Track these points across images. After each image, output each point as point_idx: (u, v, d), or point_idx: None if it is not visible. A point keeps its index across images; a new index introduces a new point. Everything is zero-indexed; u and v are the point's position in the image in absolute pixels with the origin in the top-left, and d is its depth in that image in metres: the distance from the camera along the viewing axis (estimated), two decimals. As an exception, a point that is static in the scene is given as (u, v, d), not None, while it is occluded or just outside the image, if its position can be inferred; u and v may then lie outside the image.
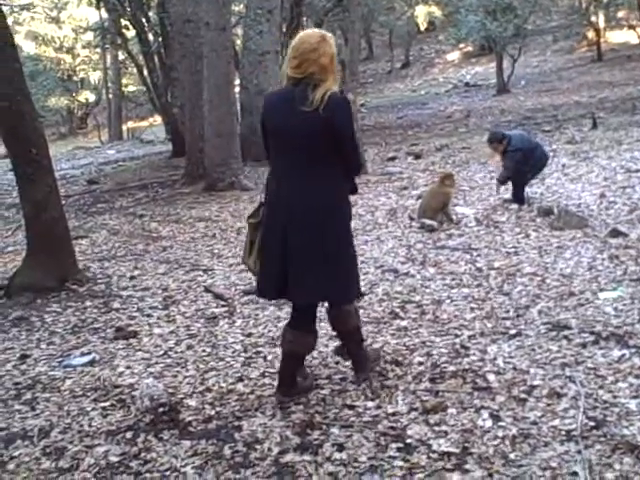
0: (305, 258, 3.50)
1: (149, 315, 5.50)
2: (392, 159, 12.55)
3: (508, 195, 8.12)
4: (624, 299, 4.71)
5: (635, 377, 3.63)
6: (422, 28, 36.58)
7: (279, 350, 4.37)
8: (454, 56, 34.15)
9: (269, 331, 4.88)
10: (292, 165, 3.51)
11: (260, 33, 13.14)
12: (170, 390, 4.01)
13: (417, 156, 12.42)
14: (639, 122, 12.75)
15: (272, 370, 4.19)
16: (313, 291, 3.56)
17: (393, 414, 3.55)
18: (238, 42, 18.31)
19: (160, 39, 18.81)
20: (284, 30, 17.45)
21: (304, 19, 21.03)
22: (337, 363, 4.20)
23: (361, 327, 4.01)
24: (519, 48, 22.99)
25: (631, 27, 25.69)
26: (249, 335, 4.85)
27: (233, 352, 4.57)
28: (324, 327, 4.32)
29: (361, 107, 22.53)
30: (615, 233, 6.21)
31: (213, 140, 10.93)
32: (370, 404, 3.68)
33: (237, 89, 13.20)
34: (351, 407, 3.67)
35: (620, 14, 27.02)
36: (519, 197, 7.99)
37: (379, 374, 4.00)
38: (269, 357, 4.41)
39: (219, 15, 10.73)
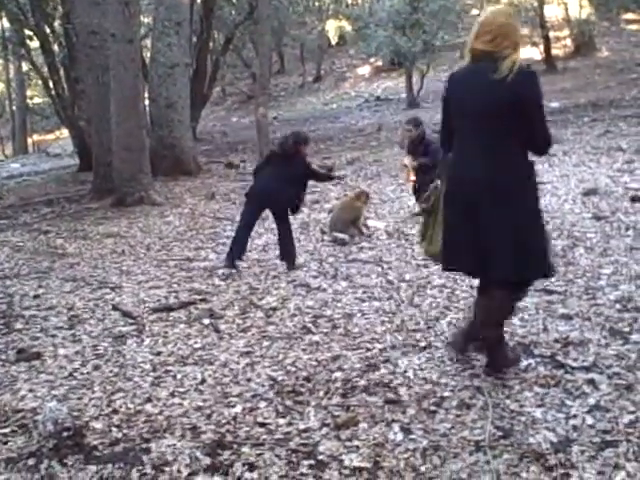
0: (500, 234, 3.49)
1: (54, 335, 5.30)
2: (304, 173, 12.56)
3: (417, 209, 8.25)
4: (529, 309, 4.82)
5: (540, 386, 3.71)
6: (333, 42, 36.95)
7: (189, 368, 4.31)
8: (365, 70, 34.59)
9: (179, 349, 4.78)
10: (479, 141, 3.52)
11: (169, 45, 13.00)
12: (75, 413, 3.86)
13: (329, 169, 12.46)
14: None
15: (182, 389, 4.11)
16: (509, 268, 3.52)
17: (305, 430, 3.52)
18: (147, 54, 18.04)
19: (65, 50, 18.34)
20: (194, 42, 17.30)
21: (214, 32, 20.93)
22: (249, 380, 4.14)
23: (503, 324, 3.90)
24: (428, 63, 23.48)
25: (534, 44, 26.61)
26: (158, 354, 4.73)
27: (141, 372, 4.45)
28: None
29: (273, 120, 22.59)
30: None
31: (121, 154, 10.71)
32: (282, 421, 3.64)
33: (146, 102, 12.98)
34: (262, 425, 3.62)
35: (524, 31, 27.95)
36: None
37: (291, 391, 3.97)
38: (179, 376, 4.32)
39: (126, 27, 10.55)
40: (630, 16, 27.50)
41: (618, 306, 4.71)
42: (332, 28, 34.16)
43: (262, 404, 3.86)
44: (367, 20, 24.78)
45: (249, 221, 6.75)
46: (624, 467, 2.96)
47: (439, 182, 3.88)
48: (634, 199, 7.56)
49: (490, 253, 3.51)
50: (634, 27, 27.96)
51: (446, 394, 3.73)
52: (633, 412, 3.36)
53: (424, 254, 4.15)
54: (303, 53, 34.67)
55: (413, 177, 8.08)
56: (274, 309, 5.43)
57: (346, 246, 7.16)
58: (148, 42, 19.06)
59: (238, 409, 3.82)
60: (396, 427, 3.46)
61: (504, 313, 3.85)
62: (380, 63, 33.38)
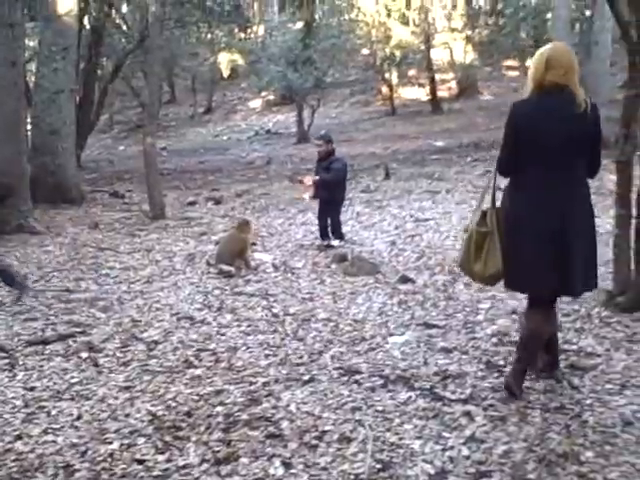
0: (582, 258, 3.79)
1: None
2: (192, 204, 12.45)
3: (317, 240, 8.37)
4: (411, 343, 4.92)
5: (419, 418, 3.78)
6: (225, 75, 36.99)
7: (65, 404, 4.15)
8: (256, 104, 34.74)
9: (55, 384, 4.60)
10: (557, 169, 3.76)
11: (55, 70, 12.64)
12: (-63, 453, 3.64)
13: (217, 201, 12.42)
14: (428, 173, 13.57)
15: (56, 425, 3.95)
16: (585, 285, 3.91)
17: (184, 467, 3.46)
18: (32, 78, 17.49)
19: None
20: (81, 69, 16.92)
21: (103, 59, 20.56)
22: (127, 416, 4.02)
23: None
24: (318, 99, 23.85)
25: (421, 85, 27.53)
26: (32, 389, 4.53)
27: (12, 408, 4.25)
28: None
29: (162, 150, 22.31)
30: (404, 279, 6.51)
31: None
32: (160, 457, 3.56)
33: (29, 127, 12.56)
34: (140, 462, 3.53)
35: (411, 72, 28.88)
36: (340, 231, 8.40)
37: (171, 426, 3.89)
38: (53, 412, 4.15)
39: (9, 49, 10.19)
40: (510, 63, 28.90)
41: (494, 340, 4.87)
42: (224, 61, 34.21)
43: (140, 440, 3.77)
44: (260, 54, 24.98)
45: None
46: (497, 497, 3.05)
47: (495, 205, 4.03)
48: (511, 237, 7.88)
49: (572, 272, 3.79)
50: (514, 73, 29.37)
51: (327, 428, 3.74)
52: (507, 443, 3.47)
53: (474, 277, 4.21)
54: (194, 84, 34.54)
55: (310, 193, 8.43)
56: (156, 342, 5.31)
57: (232, 278, 7.10)
58: (33, 66, 18.53)
59: (115, 446, 3.71)
60: (277, 462, 3.44)
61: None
62: (272, 97, 33.66)
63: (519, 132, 3.83)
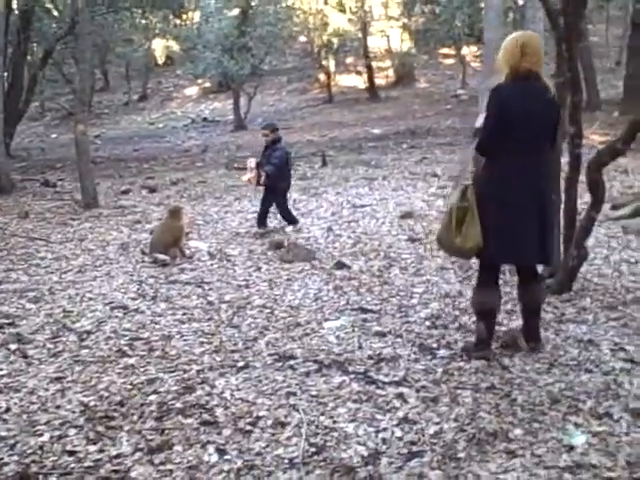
0: (551, 228, 4.25)
1: None
2: (126, 192, 12.27)
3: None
4: (346, 328, 4.95)
5: (353, 402, 3.81)
6: (160, 62, 36.43)
7: None
8: (192, 91, 34.35)
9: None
10: (532, 148, 4.04)
11: (-19, 56, 12.28)
12: None
13: (152, 190, 12.26)
14: (364, 160, 13.65)
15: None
16: (550, 255, 4.31)
17: (116, 456, 3.41)
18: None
19: None
20: (9, 55, 16.43)
21: (32, 45, 20.02)
22: (58, 407, 3.94)
23: None
24: (255, 87, 23.72)
25: (358, 72, 27.64)
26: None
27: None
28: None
29: (95, 138, 21.91)
30: (339, 265, 6.54)
31: None
32: (92, 448, 3.50)
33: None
34: (71, 453, 3.46)
35: (348, 60, 28.95)
36: (290, 217, 8.48)
37: (103, 416, 3.83)
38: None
39: None
40: (446, 51, 29.23)
41: (428, 323, 4.94)
42: (159, 47, 33.69)
43: (72, 431, 3.70)
44: (195, 41, 24.67)
45: None
46: (427, 476, 3.09)
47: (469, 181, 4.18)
48: (445, 222, 7.99)
49: (549, 243, 4.21)
50: (449, 61, 29.73)
51: (262, 413, 3.74)
52: (438, 423, 3.52)
53: (453, 250, 4.30)
54: (129, 71, 33.94)
55: (254, 181, 8.43)
56: (88, 332, 5.21)
57: (167, 267, 7.02)
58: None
59: (45, 438, 3.63)
60: (211, 448, 3.43)
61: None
62: (208, 84, 33.32)
63: (504, 115, 3.98)
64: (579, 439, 3.29)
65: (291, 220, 8.47)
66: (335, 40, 26.76)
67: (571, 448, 3.22)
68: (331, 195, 10.56)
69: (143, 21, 26.48)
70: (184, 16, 33.05)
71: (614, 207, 7.84)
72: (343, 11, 26.87)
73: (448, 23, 21.30)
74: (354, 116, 23.43)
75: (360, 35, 26.83)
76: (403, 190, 10.49)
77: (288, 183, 8.58)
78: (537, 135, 4.06)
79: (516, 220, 4.05)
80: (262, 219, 8.44)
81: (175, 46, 32.75)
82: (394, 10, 28.74)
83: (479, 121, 4.25)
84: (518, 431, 3.40)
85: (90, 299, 6.11)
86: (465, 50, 26.41)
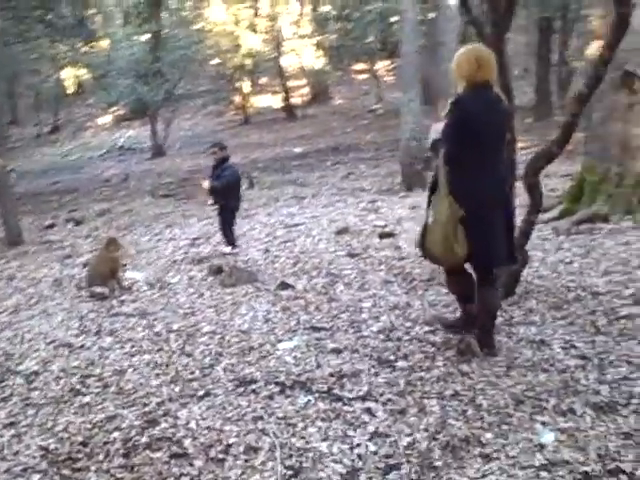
0: (513, 229, 4.51)
1: None
2: (51, 227, 11.98)
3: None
4: (301, 347, 4.93)
5: (322, 420, 3.81)
6: (70, 91, 35.73)
7: None
8: (106, 120, 33.79)
9: None
10: (494, 155, 4.27)
11: None
12: None
13: (78, 222, 12.01)
14: (290, 180, 13.70)
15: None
16: (515, 255, 4.60)
17: (87, 498, 3.31)
18: None
19: None
20: None
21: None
22: (16, 453, 3.80)
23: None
24: (172, 111, 23.51)
25: (274, 92, 27.75)
26: None
27: None
28: None
29: (10, 172, 21.27)
30: (284, 286, 6.52)
31: None
32: (60, 492, 3.39)
33: None
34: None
35: (263, 80, 29.03)
36: (230, 239, 8.43)
37: (67, 458, 3.71)
38: None
39: None
40: (360, 66, 29.65)
41: (381, 336, 4.97)
42: (69, 76, 33.03)
43: (35, 477, 3.60)
44: (107, 68, 24.27)
45: None
46: (409, 488, 3.12)
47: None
48: (381, 236, 8.10)
49: (513, 244, 4.50)
50: (363, 77, 30.17)
51: (232, 440, 3.70)
52: (410, 434, 3.56)
53: (453, 259, 4.38)
54: (38, 102, 33.16)
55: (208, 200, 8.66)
56: (36, 373, 5.05)
57: (106, 300, 6.87)
58: None
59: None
60: (186, 481, 3.37)
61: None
62: (121, 112, 32.84)
63: (469, 124, 4.17)
64: (548, 437, 3.38)
65: (230, 241, 8.44)
66: (249, 61, 26.82)
67: (542, 447, 3.31)
68: (262, 216, 10.56)
69: (52, 50, 25.99)
70: (93, 44, 32.63)
71: (542, 210, 8.07)
72: (255, 32, 26.95)
73: (361, 39, 21.60)
74: (273, 136, 23.49)
75: (274, 55, 26.95)
76: (334, 207, 10.57)
77: (237, 203, 8.56)
78: (497, 142, 4.31)
79: (491, 224, 4.28)
80: (229, 239, 8.43)
81: (86, 75, 32.18)
82: (306, 29, 29.06)
83: (435, 132, 4.39)
84: (489, 435, 3.47)
85: (30, 339, 5.92)
86: (378, 65, 26.85)
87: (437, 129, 4.48)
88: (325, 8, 25.33)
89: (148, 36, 23.69)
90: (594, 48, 7.87)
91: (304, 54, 28.05)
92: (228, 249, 8.34)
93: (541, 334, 4.66)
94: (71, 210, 13.81)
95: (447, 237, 4.25)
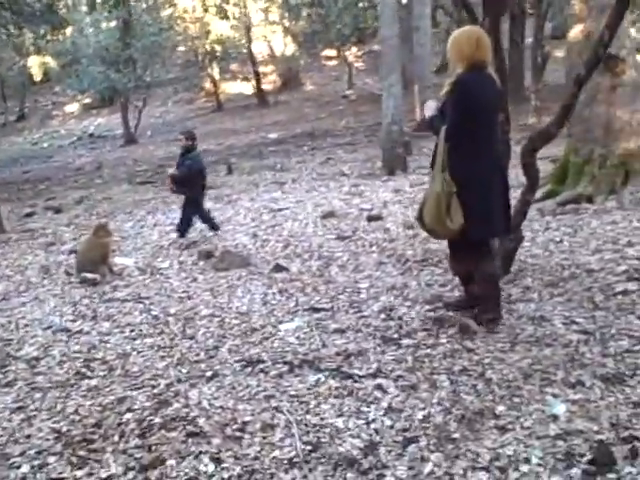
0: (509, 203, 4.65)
1: None
2: (30, 215, 11.85)
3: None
4: (303, 328, 4.98)
5: (334, 397, 3.85)
6: (37, 79, 35.21)
7: None
8: (73, 108, 33.43)
9: None
10: (494, 131, 4.48)
11: None
12: None
13: (57, 210, 11.89)
14: (269, 166, 13.69)
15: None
16: (510, 225, 4.78)
17: (108, 478, 3.33)
18: None
19: None
20: None
21: None
22: (29, 437, 3.80)
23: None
24: (144, 99, 23.31)
25: (244, 79, 27.62)
26: None
27: None
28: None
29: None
30: (278, 268, 6.56)
31: None
32: (79, 473, 3.41)
33: None
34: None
35: (232, 67, 28.86)
36: (211, 222, 8.46)
37: (81, 440, 3.72)
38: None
39: None
40: (329, 53, 29.67)
41: (383, 316, 5.04)
42: (35, 64, 32.54)
43: (51, 459, 3.58)
44: (76, 56, 23.90)
45: None
46: (429, 459, 3.18)
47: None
48: (370, 219, 8.16)
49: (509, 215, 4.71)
50: (333, 63, 30.20)
51: (247, 419, 3.73)
52: (423, 408, 3.63)
53: (445, 233, 4.56)
54: (4, 91, 32.67)
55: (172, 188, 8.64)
56: (37, 359, 5.03)
57: (98, 286, 6.84)
58: None
59: (25, 469, 3.51)
60: (205, 458, 3.40)
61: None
62: (89, 100, 32.47)
63: (475, 102, 4.33)
64: (560, 408, 3.47)
65: (213, 226, 8.46)
66: (218, 47, 26.66)
67: (555, 417, 3.39)
68: (246, 201, 10.56)
69: (18, 38, 25.58)
70: (59, 31, 32.13)
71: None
72: (225, 18, 26.78)
73: (334, 25, 21.58)
74: (246, 122, 23.43)
75: (244, 41, 26.82)
76: (317, 191, 10.61)
77: (199, 192, 8.56)
78: (495, 119, 4.52)
79: (489, 197, 4.45)
80: (181, 228, 8.42)
81: (52, 62, 31.72)
82: (275, 15, 28.95)
83: (429, 109, 4.54)
84: (501, 407, 3.55)
85: (26, 325, 5.89)
86: (349, 51, 26.87)
87: (431, 106, 4.64)
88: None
89: (114, 23, 23.40)
90: (576, 32, 7.96)
91: (273, 40, 27.97)
92: (211, 233, 8.39)
93: (540, 310, 4.76)
94: (48, 198, 13.66)
95: (440, 211, 4.41)
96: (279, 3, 27.62)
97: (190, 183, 8.30)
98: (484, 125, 4.41)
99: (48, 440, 3.78)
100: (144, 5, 25.61)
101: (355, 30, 21.78)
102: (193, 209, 8.41)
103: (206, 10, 27.04)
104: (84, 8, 33.79)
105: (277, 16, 28.78)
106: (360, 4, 21.01)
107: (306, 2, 22.93)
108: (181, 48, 28.88)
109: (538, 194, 8.03)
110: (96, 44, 22.56)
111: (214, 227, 8.47)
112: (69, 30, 27.87)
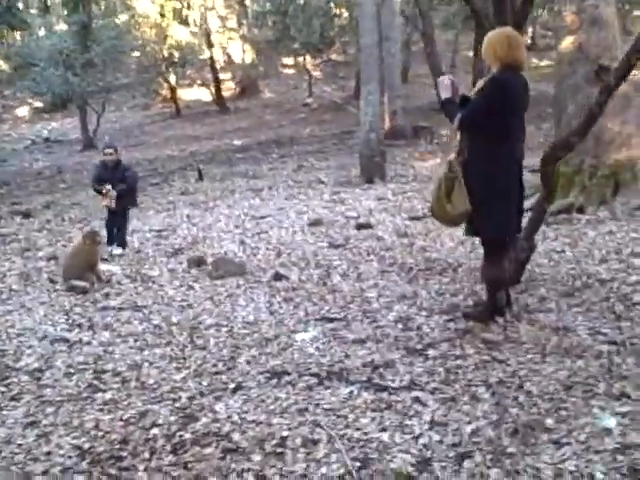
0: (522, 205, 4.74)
1: None
2: (-4, 220, 11.45)
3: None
4: (319, 338, 4.85)
5: (373, 411, 3.73)
6: (-16, 82, 34.25)
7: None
8: (24, 112, 32.63)
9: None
10: (521, 132, 4.51)
11: None
12: None
13: (26, 215, 11.51)
14: (240, 172, 13.52)
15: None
16: (520, 228, 4.88)
17: (149, 498, 3.15)
18: None
19: None
20: None
21: None
22: (49, 454, 3.59)
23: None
24: (103, 103, 22.86)
25: (203, 85, 27.34)
26: None
27: None
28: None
29: None
30: (278, 277, 6.42)
31: None
32: (117, 493, 3.21)
33: None
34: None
35: (188, 72, 28.51)
36: (124, 241, 8.37)
37: (109, 457, 3.53)
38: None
39: None
40: (287, 61, 29.59)
41: (400, 326, 4.94)
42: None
43: (79, 478, 3.38)
44: (28, 59, 23.25)
45: None
46: (489, 475, 3.08)
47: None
48: (359, 227, 8.07)
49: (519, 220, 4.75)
50: (290, 71, 30.14)
51: (285, 433, 3.58)
52: (469, 422, 3.52)
53: (445, 217, 4.62)
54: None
55: (113, 204, 8.22)
56: (40, 370, 4.79)
57: (88, 294, 6.59)
58: None
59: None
60: (249, 476, 3.24)
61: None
62: (40, 104, 31.72)
63: (510, 102, 4.36)
64: (611, 422, 3.41)
65: (124, 243, 8.39)
66: (176, 53, 26.32)
67: (608, 431, 3.33)
68: (223, 208, 10.38)
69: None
70: (8, 33, 31.26)
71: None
72: (185, 23, 26.49)
73: (301, 32, 21.42)
74: (207, 129, 23.19)
75: (203, 47, 26.56)
76: (297, 199, 10.49)
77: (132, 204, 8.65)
78: (522, 121, 4.57)
79: (513, 197, 4.55)
80: (122, 241, 8.37)
81: (4, 65, 30.90)
82: (232, 22, 28.78)
83: (444, 90, 4.61)
84: (550, 420, 3.47)
85: (18, 335, 5.62)
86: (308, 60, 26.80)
87: (447, 85, 4.63)
88: (259, 2, 25.00)
89: (72, 26, 22.85)
90: (567, 43, 8.02)
91: (231, 48, 27.80)
92: (119, 250, 8.25)
93: (562, 321, 4.72)
94: (14, 203, 13.23)
95: (439, 194, 4.50)
96: (237, 10, 27.44)
97: (131, 195, 8.33)
98: (513, 125, 4.45)
99: (71, 457, 3.58)
100: (101, 9, 25.13)
101: (322, 39, 21.69)
102: (125, 219, 8.45)
103: (163, 15, 26.66)
104: (34, 11, 33.05)
105: (234, 23, 28.64)
106: (326, 13, 20.92)
107: (272, 10, 22.73)
108: (136, 53, 28.44)
109: (527, 204, 8.08)
110: (51, 47, 22.00)
111: (124, 245, 8.38)
112: (17, 33, 27.12)
